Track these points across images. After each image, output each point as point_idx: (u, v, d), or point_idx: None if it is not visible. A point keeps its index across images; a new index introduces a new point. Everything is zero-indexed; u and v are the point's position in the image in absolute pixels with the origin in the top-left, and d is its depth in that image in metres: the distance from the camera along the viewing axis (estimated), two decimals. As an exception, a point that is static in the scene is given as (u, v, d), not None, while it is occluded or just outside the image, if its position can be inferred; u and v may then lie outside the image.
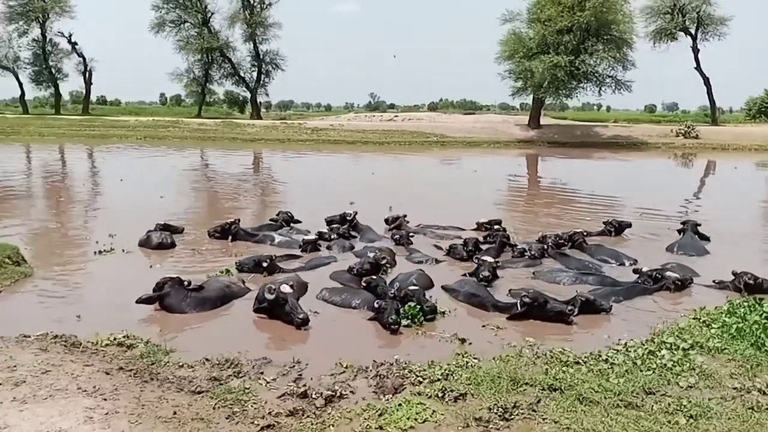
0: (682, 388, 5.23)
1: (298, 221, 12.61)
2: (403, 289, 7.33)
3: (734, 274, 8.41)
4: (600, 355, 5.84)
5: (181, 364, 5.63)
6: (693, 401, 4.90)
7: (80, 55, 62.17)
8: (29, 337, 6.00)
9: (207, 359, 5.74)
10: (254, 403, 4.88)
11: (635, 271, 8.74)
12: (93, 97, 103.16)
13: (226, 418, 4.58)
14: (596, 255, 10.10)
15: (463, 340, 6.39)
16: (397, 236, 10.93)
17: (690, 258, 10.32)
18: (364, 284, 7.79)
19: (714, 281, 8.66)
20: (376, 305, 6.90)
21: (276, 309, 6.85)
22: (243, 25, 56.10)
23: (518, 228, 12.73)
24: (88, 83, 63.91)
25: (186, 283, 7.36)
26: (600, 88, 43.67)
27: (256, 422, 4.52)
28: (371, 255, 9.00)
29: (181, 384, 5.17)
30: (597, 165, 35.27)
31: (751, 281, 8.17)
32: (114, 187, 20.74)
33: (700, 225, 11.65)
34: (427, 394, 5.04)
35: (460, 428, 4.53)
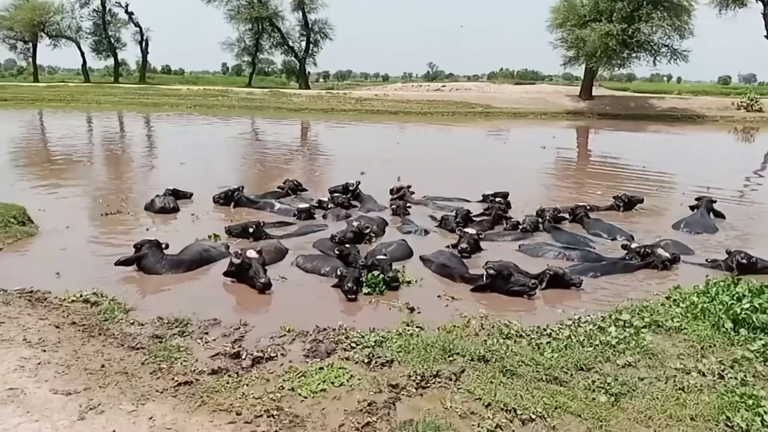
0: (618, 366, 5.10)
1: (304, 189, 12.77)
2: (372, 258, 7.34)
3: (728, 252, 8.02)
4: (545, 329, 5.73)
5: (132, 321, 5.90)
6: (621, 379, 4.77)
7: (136, 24, 64.16)
8: (4, 291, 6.40)
9: (160, 318, 5.98)
10: (184, 360, 5.08)
11: (623, 247, 8.44)
12: (158, 66, 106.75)
13: (150, 374, 4.79)
14: (591, 230, 9.79)
15: (412, 309, 6.40)
16: (394, 206, 10.91)
17: (695, 235, 9.86)
18: (336, 252, 7.86)
19: (707, 260, 8.28)
20: (338, 273, 6.98)
21: (242, 273, 7.03)
22: (292, -7, 56.20)
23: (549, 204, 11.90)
24: (144, 52, 65.88)
25: (163, 245, 7.63)
26: (655, 58, 41.48)
27: (176, 378, 4.71)
28: (355, 224, 9.04)
29: (124, 340, 5.43)
30: (650, 138, 33.71)
31: (744, 260, 7.77)
32: (147, 152, 21.49)
33: (715, 202, 11.08)
34: (354, 360, 5.11)
35: (371, 393, 4.58)
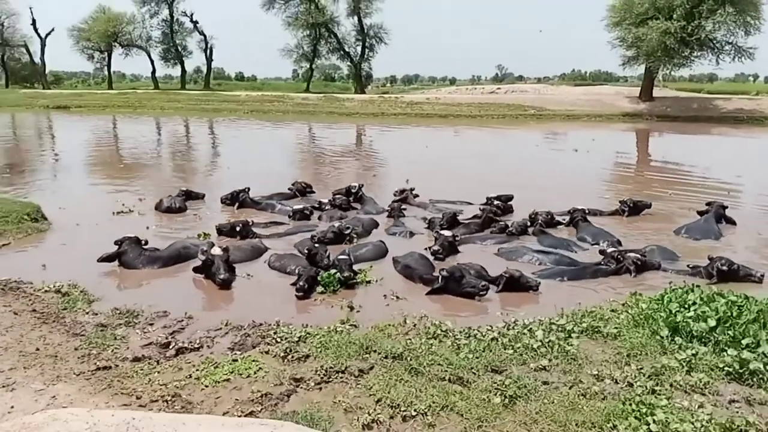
0: (530, 369, 5.04)
1: (312, 192, 13.08)
2: (336, 259, 7.51)
3: (710, 258, 7.65)
4: (473, 330, 5.71)
5: (89, 311, 6.32)
6: (523, 383, 4.72)
7: (201, 32, 66.99)
8: (-15, 280, 7.00)
9: (116, 309, 6.39)
10: (116, 348, 5.43)
11: (600, 252, 8.22)
12: (232, 73, 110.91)
13: (78, 358, 5.16)
14: (579, 234, 9.55)
15: (351, 308, 6.52)
16: (389, 209, 11.02)
17: (694, 242, 9.44)
18: (305, 252, 8.07)
19: (688, 266, 7.93)
20: (296, 271, 7.19)
21: (206, 269, 7.36)
22: (347, -1, 57.12)
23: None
24: (209, 60, 68.76)
25: (143, 242, 8.09)
26: (717, 57, 39.33)
27: (97, 363, 5.05)
28: (336, 225, 9.23)
29: (71, 327, 5.85)
30: (714, 142, 32.10)
31: (725, 267, 7.40)
32: (185, 154, 22.50)
33: (726, 207, 10.54)
34: (272, 353, 5.31)
35: (271, 385, 4.76)
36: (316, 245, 8.12)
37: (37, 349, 5.24)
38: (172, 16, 66.54)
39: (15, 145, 26.74)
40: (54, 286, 6.93)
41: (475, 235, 9.62)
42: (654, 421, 4.13)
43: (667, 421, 4.14)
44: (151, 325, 6.06)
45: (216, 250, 7.38)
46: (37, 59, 72.32)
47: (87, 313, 6.28)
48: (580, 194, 13.66)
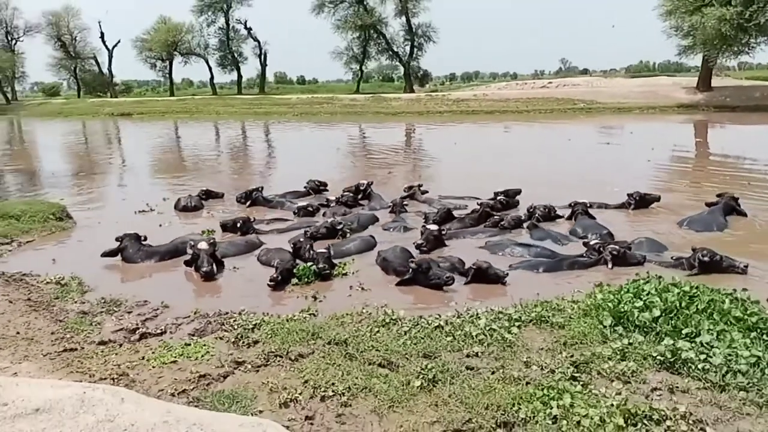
0: (462, 355, 5.17)
1: (325, 189, 13.44)
2: (314, 252, 7.82)
3: (693, 249, 7.47)
4: (422, 319, 5.87)
5: (77, 300, 6.89)
6: (449, 367, 4.87)
7: (255, 39, 69.03)
8: (-3, 273, 7.72)
9: (103, 298, 6.93)
10: (89, 333, 5.93)
11: (584, 245, 8.14)
12: (293, 77, 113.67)
13: (51, 341, 5.68)
14: (572, 227, 9.47)
15: (315, 298, 6.80)
16: (391, 204, 11.23)
17: (695, 233, 9.18)
18: (291, 246, 8.41)
19: (672, 257, 7.76)
20: (275, 264, 7.55)
21: (193, 262, 7.83)
22: (395, -1, 57.48)
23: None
24: (263, 65, 70.68)
25: (142, 238, 8.67)
26: (780, 42, 37.12)
27: (66, 346, 5.55)
28: (329, 220, 9.54)
29: (57, 315, 6.40)
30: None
31: (707, 258, 7.21)
32: (234, 155, 23.42)
33: (737, 199, 10.15)
34: (225, 339, 5.67)
35: (212, 367, 5.11)
36: (301, 240, 8.43)
37: (17, 333, 5.81)
38: (228, 24, 68.91)
39: (74, 150, 28.62)
40: (55, 278, 7.57)
41: (468, 229, 9.69)
42: (558, 405, 4.20)
43: (572, 405, 4.20)
44: (130, 312, 6.54)
45: (202, 245, 7.82)
46: (105, 70, 76.65)
47: (76, 302, 6.84)
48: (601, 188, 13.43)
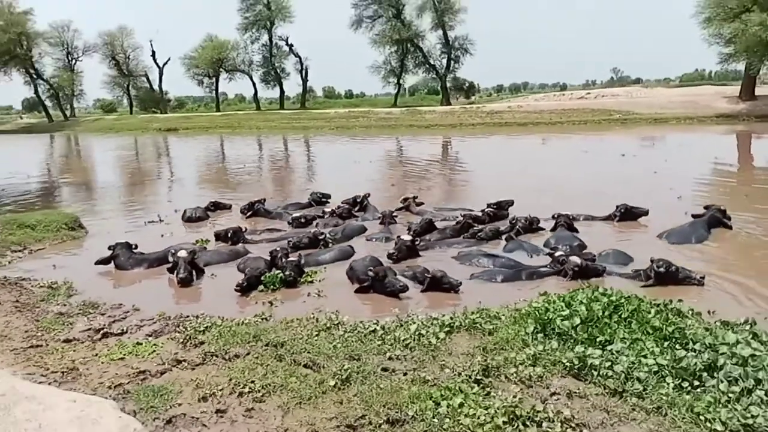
0: (384, 357, 5.45)
1: (327, 201, 13.89)
2: (284, 261, 8.24)
3: (651, 260, 7.51)
4: (360, 324, 6.17)
5: (60, 303, 7.49)
6: (365, 368, 5.17)
7: (296, 55, 70.73)
8: (-1, 277, 8.45)
9: (84, 301, 7.52)
10: (59, 332, 6.48)
11: (549, 255, 8.27)
12: (341, 91, 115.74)
13: (23, 338, 6.25)
14: (548, 239, 9.57)
15: (271, 303, 7.20)
16: (379, 215, 11.57)
17: (672, 245, 9.15)
18: (268, 255, 8.85)
19: (632, 270, 7.81)
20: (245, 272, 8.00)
21: (172, 269, 8.36)
22: (432, 13, 58.01)
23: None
24: (304, 80, 72.39)
25: (133, 246, 9.28)
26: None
27: (33, 342, 6.11)
28: (312, 231, 9.96)
29: (37, 315, 7.01)
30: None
31: (662, 269, 7.24)
32: (248, 169, 24.27)
33: (724, 211, 10.02)
34: (175, 340, 6.12)
35: (153, 364, 5.55)
36: (277, 249, 8.86)
37: (-6, 331, 6.42)
38: (271, 41, 70.92)
39: (123, 163, 30.16)
40: (48, 283, 8.24)
41: (447, 240, 9.92)
42: (448, 405, 4.44)
43: (461, 405, 4.43)
44: (103, 314, 7.08)
45: (181, 253, 8.36)
46: (156, 87, 80.00)
47: (59, 304, 7.44)
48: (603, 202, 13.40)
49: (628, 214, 10.70)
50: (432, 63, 62.24)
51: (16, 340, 6.22)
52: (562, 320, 5.59)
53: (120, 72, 79.31)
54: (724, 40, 40.41)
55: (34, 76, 74.86)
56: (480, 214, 11.02)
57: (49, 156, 39.69)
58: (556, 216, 10.40)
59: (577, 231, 10.06)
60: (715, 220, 9.87)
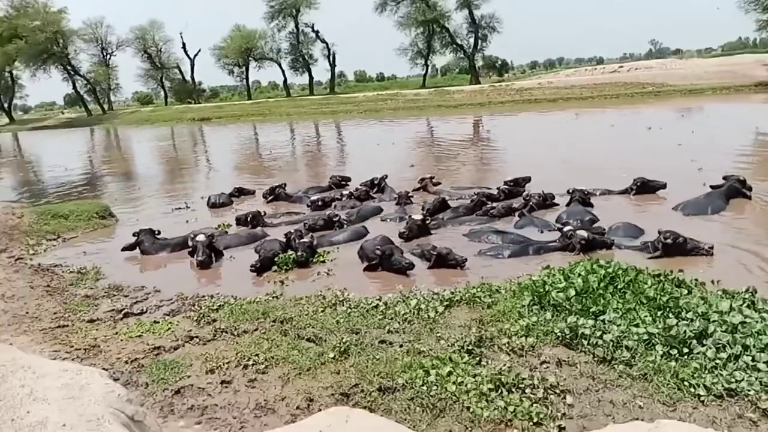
0: (383, 331, 5.67)
1: (346, 184, 14.11)
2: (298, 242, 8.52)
3: (659, 232, 7.50)
4: (365, 300, 6.39)
5: (88, 286, 7.93)
6: (363, 340, 5.42)
7: (323, 41, 70.82)
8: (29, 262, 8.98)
9: (110, 285, 7.95)
10: (85, 313, 6.90)
11: (559, 230, 8.32)
12: (373, 75, 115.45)
13: (51, 319, 6.69)
14: (561, 214, 9.58)
15: (282, 282, 7.47)
16: (396, 196, 11.73)
17: (686, 217, 9.09)
18: (284, 237, 9.14)
19: (641, 243, 7.81)
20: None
21: (192, 253, 8.73)
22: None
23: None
24: (332, 65, 72.48)
25: (156, 232, 9.70)
26: None
27: (60, 323, 6.54)
28: (327, 213, 10.21)
29: (67, 298, 7.45)
30: None
31: (669, 240, 7.24)
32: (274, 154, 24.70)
33: (744, 181, 9.85)
34: (190, 318, 6.46)
35: (169, 341, 5.90)
36: (292, 231, 9.12)
37: (27, 312, 6.87)
38: (297, 28, 71.16)
39: (163, 153, 31.02)
40: (77, 268, 8.71)
41: (460, 218, 10.04)
42: (437, 374, 4.62)
43: (449, 373, 4.61)
44: (126, 296, 7.50)
45: (200, 237, 8.71)
46: (188, 78, 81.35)
47: (86, 288, 7.89)
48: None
49: (645, 188, 10.60)
50: (459, 43, 61.55)
51: (45, 321, 6.66)
52: (557, 292, 5.69)
53: (153, 65, 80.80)
54: (761, 7, 38.92)
55: (72, 73, 76.94)
56: (495, 191, 11.03)
57: (89, 149, 40.97)
58: (571, 191, 10.38)
59: (591, 206, 10.05)
60: (734, 190, 9.72)
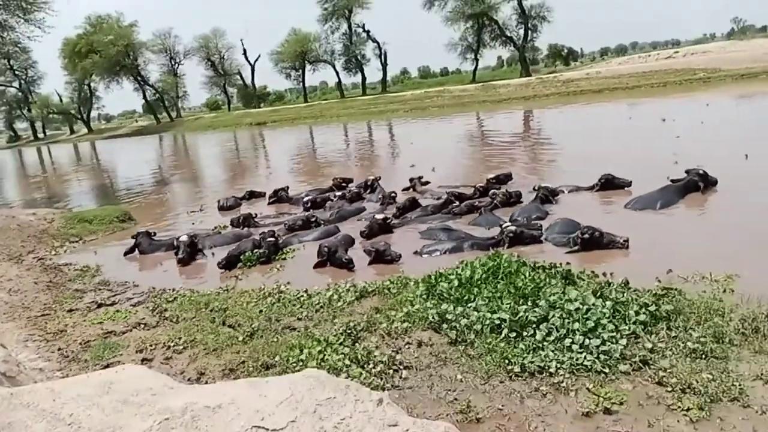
0: (293, 318, 6.51)
1: (346, 186, 14.98)
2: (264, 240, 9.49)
3: (579, 227, 7.95)
4: (293, 292, 7.25)
5: (83, 282, 9.20)
6: (271, 327, 6.28)
7: (374, 40, 72.05)
8: (47, 262, 10.41)
9: (102, 281, 9.20)
10: (69, 304, 8.13)
11: (500, 227, 8.86)
12: (437, 70, 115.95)
13: (39, 309, 7.95)
14: (515, 212, 10.05)
15: (237, 278, 8.44)
16: (381, 196, 12.50)
17: (635, 211, 9.40)
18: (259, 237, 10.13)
19: (567, 238, 8.25)
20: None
21: (176, 252, 9.89)
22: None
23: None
24: (383, 65, 73.57)
25: (153, 233, 10.94)
26: None
27: (44, 312, 7.78)
28: (305, 213, 11.13)
29: (61, 292, 8.74)
30: None
31: (586, 235, 7.68)
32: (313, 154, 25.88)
33: (705, 175, 9.97)
34: (148, 308, 7.54)
35: (122, 326, 6.99)
36: (265, 231, 10.10)
37: (22, 303, 8.19)
38: (350, 29, 72.72)
39: (224, 158, 33.03)
40: (82, 267, 10.04)
41: (425, 216, 10.69)
42: (309, 353, 5.43)
43: (320, 352, 5.40)
44: (110, 290, 8.70)
45: (182, 238, 9.84)
46: (248, 83, 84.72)
47: (81, 283, 9.17)
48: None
49: (609, 185, 10.88)
50: (509, 35, 61.07)
51: (34, 310, 7.93)
52: (444, 283, 6.36)
53: (216, 72, 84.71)
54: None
55: (141, 83, 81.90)
56: (456, 192, 11.59)
57: (158, 155, 43.82)
58: (537, 188, 10.82)
59: (552, 203, 10.47)
60: (692, 184, 9.88)
